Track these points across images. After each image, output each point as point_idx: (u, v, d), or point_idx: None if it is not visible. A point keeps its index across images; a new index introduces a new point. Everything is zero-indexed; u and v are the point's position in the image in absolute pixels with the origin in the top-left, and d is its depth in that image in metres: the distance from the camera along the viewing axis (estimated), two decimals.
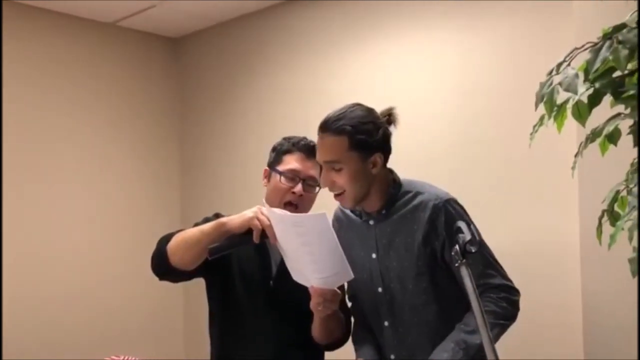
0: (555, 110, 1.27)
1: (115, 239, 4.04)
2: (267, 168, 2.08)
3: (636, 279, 1.20)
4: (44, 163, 3.78)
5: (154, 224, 3.99)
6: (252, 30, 4.01)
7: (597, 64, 1.17)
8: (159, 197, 4.31)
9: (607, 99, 1.25)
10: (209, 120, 4.27)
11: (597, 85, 1.21)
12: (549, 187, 2.78)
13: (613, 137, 1.26)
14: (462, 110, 3.08)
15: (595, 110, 1.25)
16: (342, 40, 3.57)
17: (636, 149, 1.23)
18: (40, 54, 3.81)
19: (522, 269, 2.19)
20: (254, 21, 3.99)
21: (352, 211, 1.98)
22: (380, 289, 1.90)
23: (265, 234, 1.82)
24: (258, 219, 1.81)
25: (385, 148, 1.86)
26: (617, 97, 1.22)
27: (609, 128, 1.25)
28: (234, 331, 2.04)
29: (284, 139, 2.08)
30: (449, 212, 1.82)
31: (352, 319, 2.07)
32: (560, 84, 1.23)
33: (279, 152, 2.05)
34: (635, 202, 1.19)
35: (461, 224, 1.48)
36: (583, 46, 1.24)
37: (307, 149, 2.01)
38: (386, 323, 1.92)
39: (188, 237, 1.89)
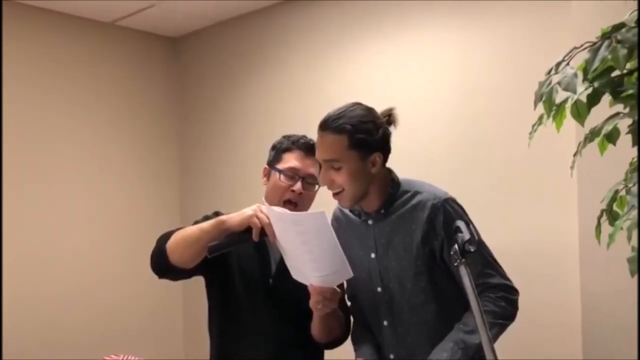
0: (554, 109, 1.27)
1: (115, 239, 4.04)
2: (266, 166, 2.08)
3: (635, 278, 1.20)
4: (44, 163, 3.78)
5: (154, 223, 3.99)
6: (252, 30, 4.01)
7: (596, 64, 1.17)
8: (158, 197, 4.31)
9: (606, 98, 1.25)
10: (208, 120, 4.27)
11: (596, 84, 1.21)
12: (548, 187, 2.78)
13: (612, 137, 1.26)
14: (461, 110, 3.09)
15: (594, 110, 1.25)
16: (341, 40, 3.57)
17: (635, 149, 1.23)
18: (40, 54, 3.81)
19: (522, 269, 2.19)
20: (253, 21, 3.99)
21: (350, 211, 1.98)
22: (379, 289, 1.90)
23: (265, 232, 1.82)
24: (257, 217, 1.82)
25: (384, 148, 1.86)
26: (616, 97, 1.22)
27: (608, 127, 1.25)
28: (234, 329, 2.04)
29: (284, 137, 2.08)
30: (447, 211, 1.82)
31: (352, 318, 2.07)
32: (559, 83, 1.23)
33: (278, 151, 2.05)
34: (634, 202, 1.20)
35: (460, 224, 1.48)
36: (582, 46, 1.24)
37: (307, 147, 2.01)
38: (385, 323, 1.92)
39: (187, 235, 1.88)
